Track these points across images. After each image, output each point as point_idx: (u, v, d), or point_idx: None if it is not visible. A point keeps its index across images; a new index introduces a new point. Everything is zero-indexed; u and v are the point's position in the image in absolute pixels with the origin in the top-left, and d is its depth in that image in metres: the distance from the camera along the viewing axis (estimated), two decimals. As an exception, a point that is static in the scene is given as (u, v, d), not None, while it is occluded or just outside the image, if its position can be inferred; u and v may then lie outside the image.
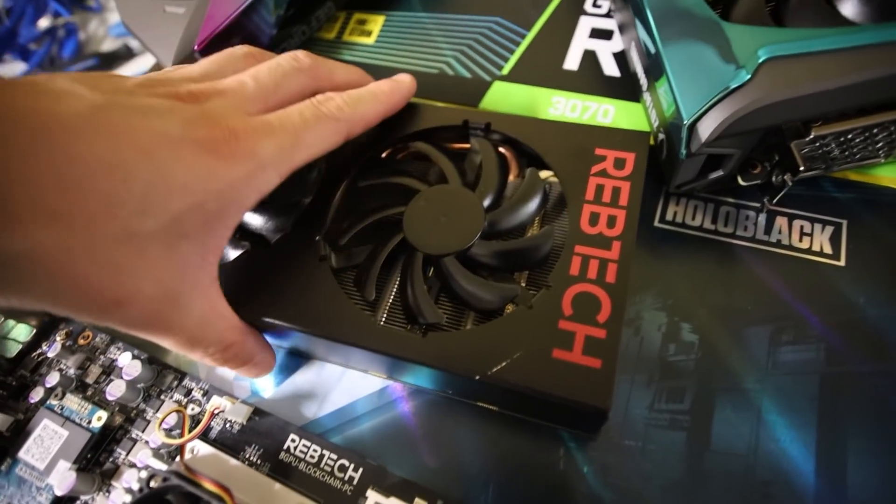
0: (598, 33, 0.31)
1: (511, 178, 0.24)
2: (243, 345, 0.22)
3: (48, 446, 0.25)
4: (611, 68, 0.30)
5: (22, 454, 0.25)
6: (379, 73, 0.31)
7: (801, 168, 0.21)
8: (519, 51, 0.32)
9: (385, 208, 0.24)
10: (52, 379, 0.27)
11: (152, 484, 0.23)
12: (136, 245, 0.17)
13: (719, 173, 0.23)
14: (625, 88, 0.29)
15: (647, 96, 0.26)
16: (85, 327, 0.29)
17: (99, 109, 0.16)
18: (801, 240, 0.24)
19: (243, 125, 0.19)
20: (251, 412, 0.24)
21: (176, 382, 0.26)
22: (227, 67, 0.22)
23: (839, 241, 0.23)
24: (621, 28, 0.30)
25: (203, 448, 0.24)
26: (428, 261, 0.22)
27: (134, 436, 0.25)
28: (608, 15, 0.32)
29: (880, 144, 0.22)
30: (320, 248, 0.22)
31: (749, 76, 0.19)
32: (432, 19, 0.35)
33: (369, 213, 0.24)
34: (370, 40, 0.36)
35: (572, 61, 0.31)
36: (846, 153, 0.22)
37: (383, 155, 0.26)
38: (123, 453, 0.25)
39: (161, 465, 0.24)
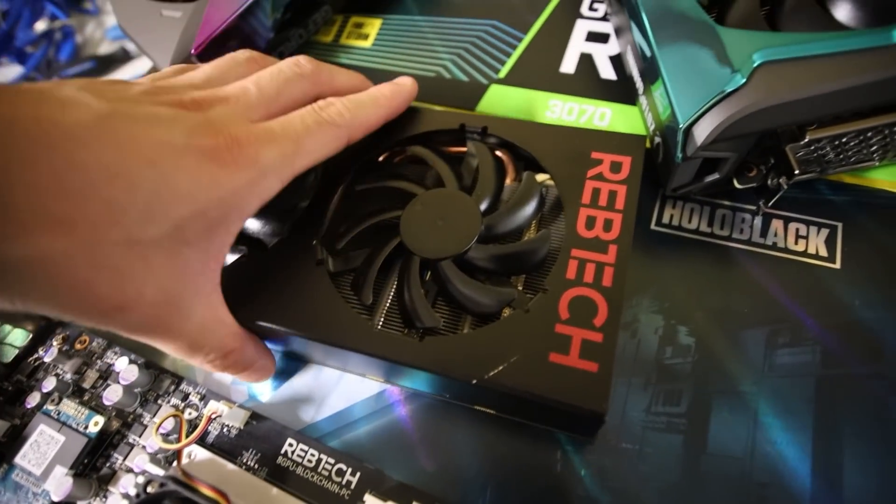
0: (594, 37, 0.31)
1: (508, 181, 0.24)
2: (243, 351, 0.22)
3: (45, 451, 0.25)
4: (607, 72, 0.30)
5: (18, 459, 0.25)
6: (376, 76, 0.31)
7: (797, 171, 0.21)
8: (516, 54, 0.32)
9: (382, 212, 0.24)
10: (49, 384, 0.27)
11: (149, 489, 0.23)
12: (138, 251, 0.17)
13: (715, 176, 0.23)
14: (621, 92, 0.29)
15: (643, 100, 0.26)
16: (81, 332, 0.29)
17: (104, 118, 0.16)
18: (796, 242, 0.24)
19: (246, 133, 0.19)
20: (248, 416, 0.24)
21: (173, 387, 0.26)
22: (229, 73, 0.22)
23: (835, 243, 0.23)
24: (617, 31, 0.30)
25: (200, 453, 0.24)
26: (425, 265, 0.22)
27: (131, 441, 0.25)
28: (604, 18, 0.32)
29: (875, 148, 0.22)
30: (317, 252, 0.22)
31: (744, 80, 0.19)
32: (429, 23, 0.35)
33: (366, 217, 0.24)
34: (367, 44, 0.36)
35: (569, 64, 0.31)
36: (841, 156, 0.22)
37: (380, 159, 0.26)
38: (120, 458, 0.25)
39: (158, 470, 0.24)
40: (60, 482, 0.23)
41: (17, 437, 0.26)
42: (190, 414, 0.25)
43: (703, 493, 0.20)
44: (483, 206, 0.23)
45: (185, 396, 0.26)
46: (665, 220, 0.26)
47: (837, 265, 0.23)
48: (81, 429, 0.26)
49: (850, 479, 0.19)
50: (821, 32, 0.20)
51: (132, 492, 0.23)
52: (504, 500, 0.21)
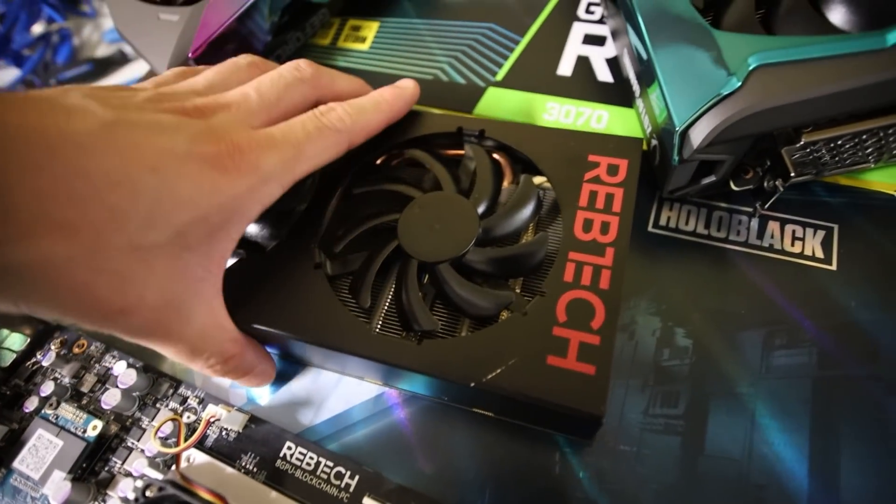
0: (591, 39, 0.32)
1: (505, 184, 0.24)
2: (244, 356, 0.22)
3: (43, 456, 0.25)
4: (604, 74, 0.30)
5: (16, 464, 0.25)
6: (373, 78, 0.32)
7: (792, 174, 0.22)
8: (513, 57, 0.32)
9: (380, 215, 0.24)
10: (47, 388, 0.27)
11: (148, 493, 0.23)
12: (141, 256, 0.17)
13: (712, 179, 0.23)
14: (618, 94, 0.29)
15: (639, 102, 0.26)
16: (80, 336, 0.29)
17: (108, 126, 0.17)
18: (793, 244, 0.24)
19: (247, 139, 0.19)
20: (247, 420, 0.24)
21: (172, 391, 0.26)
22: (231, 78, 0.22)
23: (831, 245, 0.24)
24: (614, 34, 0.30)
25: (199, 457, 0.24)
26: (423, 268, 0.22)
27: (129, 445, 0.25)
28: (601, 21, 0.32)
29: (870, 150, 0.22)
30: (315, 256, 0.22)
31: (740, 83, 0.19)
32: (426, 25, 0.35)
33: (364, 221, 0.24)
34: (365, 46, 0.36)
35: (566, 67, 0.31)
36: (837, 159, 0.22)
37: (378, 162, 0.26)
38: (119, 462, 0.25)
39: (157, 475, 0.24)
40: (59, 486, 0.23)
41: (15, 442, 0.26)
42: (188, 417, 0.25)
43: (700, 495, 0.20)
44: (480, 209, 0.23)
45: (184, 400, 0.26)
46: (662, 222, 0.26)
47: (834, 267, 0.23)
48: (80, 433, 0.25)
49: (847, 480, 0.19)
50: (816, 36, 0.20)
51: (131, 496, 0.23)
52: (503, 503, 0.21)
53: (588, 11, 0.33)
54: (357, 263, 0.23)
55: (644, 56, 0.23)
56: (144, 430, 0.25)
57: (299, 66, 0.23)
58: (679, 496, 0.20)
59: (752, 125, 0.20)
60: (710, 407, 0.21)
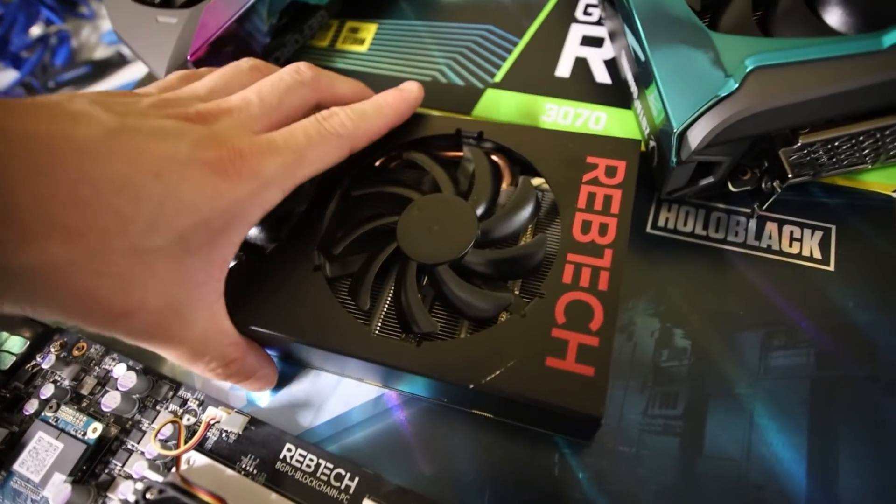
0: (589, 41, 0.32)
1: (504, 186, 0.24)
2: (245, 360, 0.22)
3: (43, 458, 0.25)
4: (602, 76, 0.30)
5: (17, 467, 0.25)
6: (372, 80, 0.32)
7: (790, 175, 0.22)
8: (511, 58, 0.32)
9: (379, 217, 0.24)
10: (47, 391, 0.27)
11: (148, 496, 0.23)
12: (144, 260, 0.17)
13: (710, 180, 0.23)
14: (616, 96, 0.29)
15: (637, 104, 0.26)
16: (79, 338, 0.29)
17: (113, 132, 0.17)
18: (790, 245, 0.24)
19: (249, 145, 0.19)
20: (247, 422, 0.25)
21: (171, 393, 0.26)
22: (233, 82, 0.22)
23: (828, 245, 0.24)
24: (612, 36, 0.30)
25: (199, 459, 0.24)
26: (422, 270, 0.22)
27: (129, 447, 0.25)
28: (599, 23, 0.32)
29: (867, 151, 0.22)
30: (314, 258, 0.22)
31: (737, 85, 0.20)
32: (425, 27, 0.35)
33: (363, 223, 0.24)
34: (363, 48, 0.36)
35: (564, 68, 0.31)
36: (834, 160, 0.22)
37: (377, 164, 0.26)
38: (119, 465, 0.25)
39: (157, 477, 0.24)
40: (59, 489, 0.23)
41: (15, 445, 0.26)
42: (188, 420, 0.25)
43: (699, 496, 0.20)
44: (479, 211, 0.23)
45: (184, 402, 0.26)
46: (660, 223, 0.26)
47: (831, 267, 0.23)
48: (80, 435, 0.26)
49: (846, 480, 0.19)
50: (812, 38, 0.20)
51: (131, 498, 0.23)
52: (502, 504, 0.21)
53: (586, 13, 0.33)
54: (356, 265, 0.23)
55: (642, 58, 0.23)
56: (144, 433, 0.25)
57: (299, 69, 0.23)
58: (678, 497, 0.20)
59: (749, 127, 0.20)
60: (708, 408, 0.21)
